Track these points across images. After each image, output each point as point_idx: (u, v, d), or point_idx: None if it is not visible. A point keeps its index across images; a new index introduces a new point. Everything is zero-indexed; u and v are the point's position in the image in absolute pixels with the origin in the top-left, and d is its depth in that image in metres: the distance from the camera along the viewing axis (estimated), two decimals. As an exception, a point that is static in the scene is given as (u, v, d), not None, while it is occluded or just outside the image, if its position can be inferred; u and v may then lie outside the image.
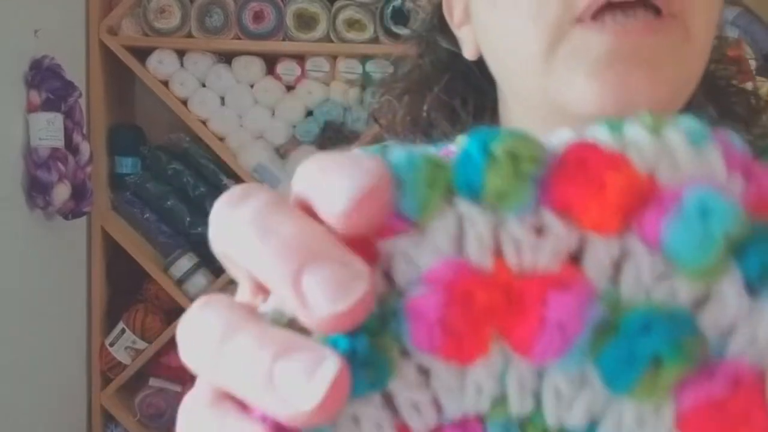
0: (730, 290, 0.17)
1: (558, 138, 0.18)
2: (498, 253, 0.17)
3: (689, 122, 0.18)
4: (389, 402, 0.18)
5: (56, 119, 1.73)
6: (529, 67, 0.48)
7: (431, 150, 0.18)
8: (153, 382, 2.09)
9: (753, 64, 0.66)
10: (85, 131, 1.88)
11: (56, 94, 1.75)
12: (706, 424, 0.16)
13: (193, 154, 2.07)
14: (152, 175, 2.07)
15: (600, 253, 0.17)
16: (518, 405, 0.18)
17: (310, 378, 0.16)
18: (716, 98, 0.57)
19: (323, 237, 0.18)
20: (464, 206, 0.18)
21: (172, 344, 2.11)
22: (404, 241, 0.18)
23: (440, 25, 0.60)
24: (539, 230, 0.17)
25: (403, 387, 0.17)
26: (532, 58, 0.47)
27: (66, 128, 1.76)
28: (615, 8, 0.45)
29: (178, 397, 2.07)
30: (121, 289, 2.13)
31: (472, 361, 0.17)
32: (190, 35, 2.05)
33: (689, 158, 0.17)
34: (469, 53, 0.56)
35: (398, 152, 0.18)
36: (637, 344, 0.16)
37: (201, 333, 0.19)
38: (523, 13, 0.47)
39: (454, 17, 0.57)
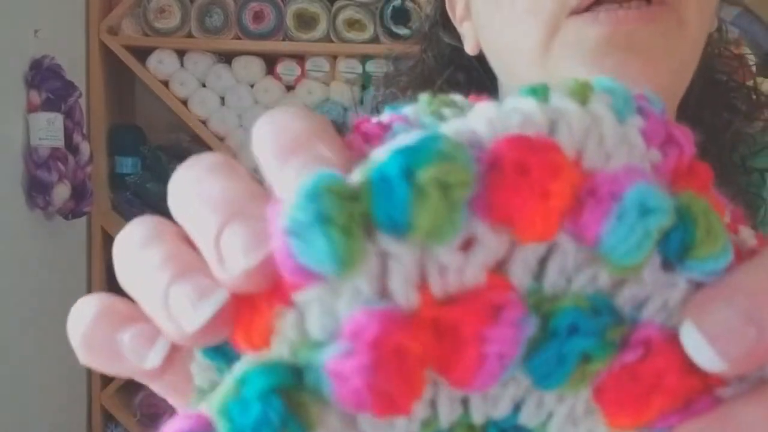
0: (649, 273, 0.17)
1: (482, 121, 0.17)
2: (422, 283, 0.16)
3: (612, 88, 0.18)
4: None
5: (56, 119, 1.73)
6: (527, 60, 0.49)
7: (330, 173, 0.16)
8: (153, 382, 2.09)
9: (753, 63, 0.67)
10: (85, 131, 1.88)
11: (56, 94, 1.75)
12: (620, 391, 0.16)
13: (194, 154, 2.07)
14: (152, 175, 2.07)
15: (529, 257, 0.17)
16: (449, 419, 0.17)
17: (196, 304, 0.17)
18: (716, 92, 0.58)
19: (246, 194, 0.18)
20: (386, 242, 0.16)
21: (172, 344, 2.11)
22: (319, 290, 0.16)
23: (443, 21, 0.61)
24: (467, 243, 0.16)
25: None
26: (530, 51, 0.48)
27: (66, 128, 1.76)
28: (608, 0, 0.46)
29: (178, 397, 2.07)
30: (121, 289, 2.12)
31: (408, 412, 0.16)
32: (190, 35, 2.05)
33: (614, 135, 0.17)
34: (470, 48, 0.57)
35: (293, 200, 0.16)
36: (566, 346, 0.16)
37: (124, 245, 0.20)
38: (520, 8, 0.48)
39: (456, 13, 0.58)
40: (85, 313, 0.20)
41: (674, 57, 0.47)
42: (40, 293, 1.79)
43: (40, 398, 1.80)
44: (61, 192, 1.73)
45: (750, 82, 0.60)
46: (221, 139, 2.05)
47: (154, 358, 0.19)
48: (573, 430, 0.18)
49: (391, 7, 2.01)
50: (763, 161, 0.57)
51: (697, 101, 0.55)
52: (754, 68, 0.64)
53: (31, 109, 1.71)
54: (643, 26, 0.45)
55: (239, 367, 0.17)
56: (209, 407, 0.17)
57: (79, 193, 1.81)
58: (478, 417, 0.17)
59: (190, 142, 2.11)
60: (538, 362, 0.16)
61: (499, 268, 0.17)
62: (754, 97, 0.60)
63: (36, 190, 1.70)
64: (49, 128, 1.71)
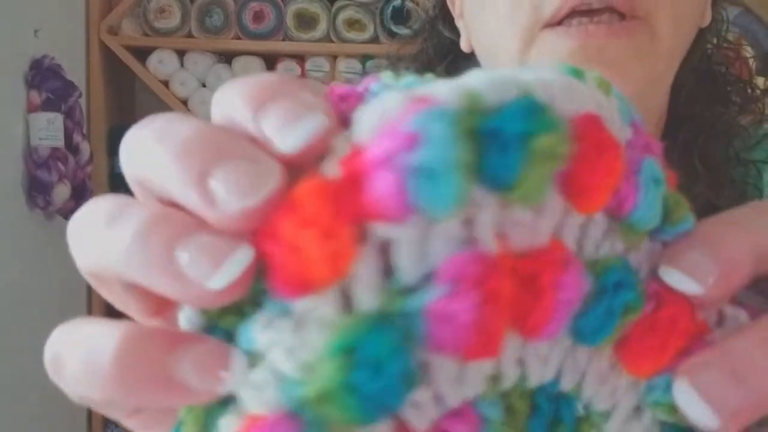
0: (647, 240, 0.19)
1: (561, 91, 0.17)
2: (500, 235, 0.17)
3: (621, 95, 0.19)
4: None
5: (56, 119, 1.73)
6: (509, 64, 0.51)
7: (447, 110, 0.15)
8: (153, 382, 2.09)
9: (751, 56, 0.68)
10: (85, 131, 1.88)
11: (56, 94, 1.75)
12: (642, 340, 0.19)
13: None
14: (152, 175, 2.07)
15: (575, 225, 0.18)
16: (511, 379, 0.18)
17: (218, 261, 0.16)
18: (713, 84, 0.60)
19: (229, 135, 0.17)
20: (479, 194, 0.16)
21: (172, 344, 2.11)
22: (411, 231, 0.16)
23: (443, 15, 0.63)
24: (538, 209, 0.17)
25: None
26: (510, 56, 0.51)
27: (66, 128, 1.76)
28: (582, 14, 0.47)
29: (178, 397, 2.07)
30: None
31: (496, 354, 0.16)
32: (190, 35, 2.05)
33: (621, 129, 0.19)
34: (464, 45, 0.59)
35: (431, 137, 0.15)
36: (615, 300, 0.18)
37: (87, 219, 0.17)
38: (501, 16, 0.50)
39: (455, 9, 0.61)
40: (106, 338, 0.17)
41: (647, 69, 0.48)
42: (40, 293, 1.79)
43: (40, 398, 1.80)
44: (61, 192, 1.73)
45: (745, 75, 0.62)
46: (221, 139, 2.05)
47: (228, 374, 0.16)
48: (602, 388, 0.19)
49: (391, 7, 2.01)
50: (759, 154, 0.58)
51: (689, 94, 0.56)
52: (753, 68, 0.64)
53: (31, 109, 1.71)
54: (614, 41, 0.46)
55: (323, 339, 0.15)
56: (289, 399, 0.15)
57: (79, 193, 1.81)
58: (534, 379, 0.18)
59: (190, 142, 2.11)
60: (590, 318, 0.18)
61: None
62: (749, 90, 0.61)
63: (36, 190, 1.70)
64: (49, 128, 1.71)
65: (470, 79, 0.16)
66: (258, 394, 0.16)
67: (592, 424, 0.19)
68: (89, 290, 2.06)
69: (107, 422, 2.12)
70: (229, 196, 0.16)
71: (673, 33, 0.49)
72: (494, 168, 0.16)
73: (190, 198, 0.16)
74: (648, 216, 0.19)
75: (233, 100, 0.18)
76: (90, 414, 2.09)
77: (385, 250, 0.16)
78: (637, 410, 0.20)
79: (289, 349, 0.16)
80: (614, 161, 0.17)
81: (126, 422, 0.20)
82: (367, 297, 0.16)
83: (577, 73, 0.18)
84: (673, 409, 0.19)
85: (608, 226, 0.19)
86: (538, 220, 0.17)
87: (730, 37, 0.61)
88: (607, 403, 0.19)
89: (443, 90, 0.16)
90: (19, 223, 1.70)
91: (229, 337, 0.17)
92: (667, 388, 0.19)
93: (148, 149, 0.17)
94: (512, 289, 0.16)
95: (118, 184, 2.10)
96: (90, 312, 2.06)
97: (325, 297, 0.16)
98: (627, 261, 0.19)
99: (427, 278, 0.16)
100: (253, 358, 0.16)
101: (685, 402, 0.18)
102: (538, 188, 0.16)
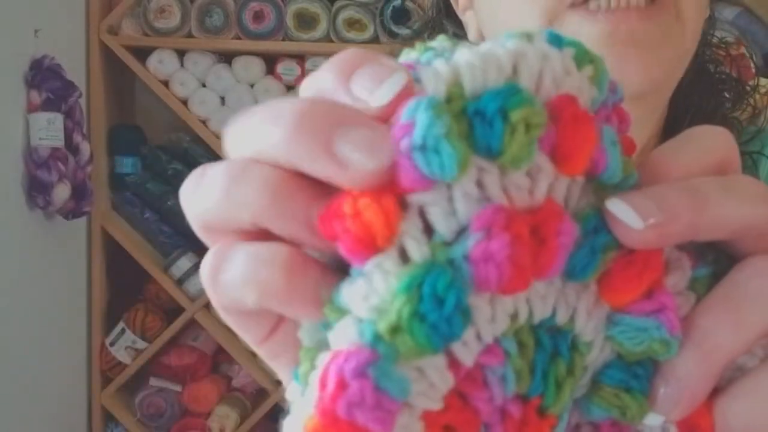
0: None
1: (548, 77, 0.20)
2: (507, 196, 0.20)
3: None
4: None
5: (56, 119, 1.73)
6: None
7: (436, 97, 0.19)
8: (153, 381, 2.10)
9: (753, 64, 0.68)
10: (85, 131, 1.88)
11: (56, 94, 1.75)
12: (620, 273, 0.21)
13: (193, 154, 2.07)
14: (152, 175, 2.07)
15: (563, 185, 0.21)
16: (524, 315, 0.21)
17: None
18: (707, 81, 0.61)
19: (342, 107, 0.20)
20: (480, 161, 0.20)
21: (172, 344, 2.11)
22: (435, 195, 0.19)
23: (446, 10, 0.63)
24: (531, 172, 0.20)
25: None
26: None
27: (66, 128, 1.76)
28: None
29: (178, 397, 2.07)
30: (121, 289, 2.13)
31: (527, 287, 0.20)
32: (190, 35, 2.06)
33: (590, 97, 0.22)
34: (472, 37, 0.59)
35: (422, 119, 0.19)
36: (596, 241, 0.21)
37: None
38: None
39: (459, 2, 0.60)
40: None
41: (672, 50, 0.49)
42: (40, 293, 1.79)
43: (40, 398, 1.80)
44: (61, 192, 1.73)
45: (735, 73, 0.63)
46: (221, 139, 2.05)
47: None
48: (589, 321, 0.22)
49: (391, 7, 2.01)
50: (755, 145, 0.59)
51: (686, 88, 0.57)
52: (753, 68, 0.65)
53: (31, 109, 1.72)
54: (643, 24, 0.47)
55: (388, 284, 0.19)
56: (365, 336, 0.18)
57: (79, 193, 1.81)
58: (537, 315, 0.21)
59: (190, 142, 2.10)
60: (577, 257, 0.21)
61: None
62: (740, 87, 0.62)
63: (36, 190, 1.70)
64: (49, 128, 1.71)
65: (459, 62, 0.20)
66: (342, 335, 0.19)
67: (580, 353, 0.22)
68: (89, 290, 2.06)
69: (107, 422, 2.12)
70: (360, 159, 0.19)
71: (696, 15, 0.50)
72: (483, 138, 0.19)
73: (318, 163, 0.19)
74: (614, 174, 0.22)
75: (323, 76, 0.21)
76: (90, 414, 2.10)
77: (423, 215, 0.20)
78: (605, 341, 0.23)
79: (363, 297, 0.19)
80: (589, 132, 0.20)
81: (259, 349, 0.23)
82: (418, 249, 0.19)
83: (558, 41, 0.21)
84: (622, 344, 0.22)
85: (585, 184, 0.22)
86: (535, 184, 0.20)
87: (729, 38, 0.61)
88: (591, 334, 0.22)
89: (431, 80, 0.20)
90: (19, 223, 1.70)
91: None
92: (624, 325, 0.22)
93: (262, 128, 0.20)
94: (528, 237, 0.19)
95: (118, 184, 2.11)
96: (90, 312, 2.06)
97: (385, 255, 0.19)
98: (599, 210, 0.22)
99: (460, 232, 0.19)
100: (342, 313, 0.20)
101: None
102: (522, 152, 0.19)
